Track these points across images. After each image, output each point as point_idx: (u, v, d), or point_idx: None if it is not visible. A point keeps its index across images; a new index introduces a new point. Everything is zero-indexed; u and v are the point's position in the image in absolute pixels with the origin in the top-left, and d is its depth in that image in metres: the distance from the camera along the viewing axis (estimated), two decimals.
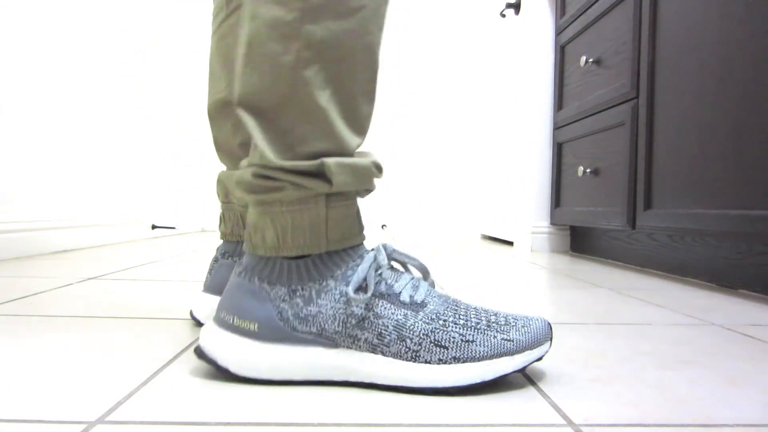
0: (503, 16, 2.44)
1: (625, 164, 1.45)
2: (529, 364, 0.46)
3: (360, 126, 0.48)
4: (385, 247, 0.49)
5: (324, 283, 0.46)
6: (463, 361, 0.44)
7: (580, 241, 1.95)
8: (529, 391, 0.46)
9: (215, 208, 2.85)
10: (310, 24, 0.43)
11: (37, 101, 1.46)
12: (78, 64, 1.65)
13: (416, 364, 0.44)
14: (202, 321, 0.66)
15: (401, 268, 0.78)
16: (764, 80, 0.97)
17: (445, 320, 0.46)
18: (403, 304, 0.46)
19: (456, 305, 0.48)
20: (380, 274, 0.47)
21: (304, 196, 0.46)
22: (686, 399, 0.45)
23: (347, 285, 0.46)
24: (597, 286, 1.12)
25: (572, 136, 1.82)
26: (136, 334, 0.62)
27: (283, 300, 0.46)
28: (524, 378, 0.49)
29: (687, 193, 1.19)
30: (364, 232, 0.50)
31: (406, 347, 0.45)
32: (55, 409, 0.40)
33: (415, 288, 0.48)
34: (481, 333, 0.46)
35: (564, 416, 0.40)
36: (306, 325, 0.45)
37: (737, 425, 0.40)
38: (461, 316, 0.47)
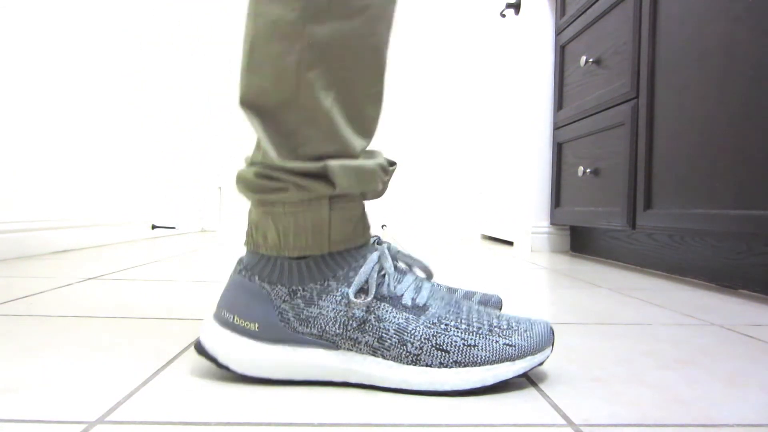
0: (503, 16, 2.44)
1: (625, 164, 1.45)
2: (530, 369, 0.46)
3: (366, 128, 0.47)
4: (389, 248, 0.48)
5: (325, 284, 0.45)
6: (465, 365, 0.44)
7: (580, 241, 1.95)
8: (530, 392, 0.46)
9: (215, 208, 2.85)
10: (313, 24, 0.42)
11: (37, 101, 1.46)
12: (78, 64, 1.65)
13: (417, 368, 0.44)
14: None
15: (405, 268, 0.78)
16: (764, 80, 0.97)
17: (447, 324, 0.46)
18: (405, 308, 0.45)
19: (458, 308, 0.47)
20: (383, 276, 0.46)
21: (307, 197, 0.45)
22: (686, 399, 0.45)
23: (349, 286, 0.45)
24: (597, 286, 1.12)
25: (572, 136, 1.82)
26: (136, 334, 0.62)
27: (284, 300, 0.45)
28: (524, 378, 0.49)
29: (687, 193, 1.19)
30: (370, 232, 0.50)
31: (407, 351, 0.44)
32: (55, 409, 0.40)
33: (418, 290, 0.47)
34: (483, 338, 0.45)
35: (564, 416, 0.40)
36: (307, 327, 0.45)
37: (737, 425, 0.40)
38: (463, 320, 0.46)
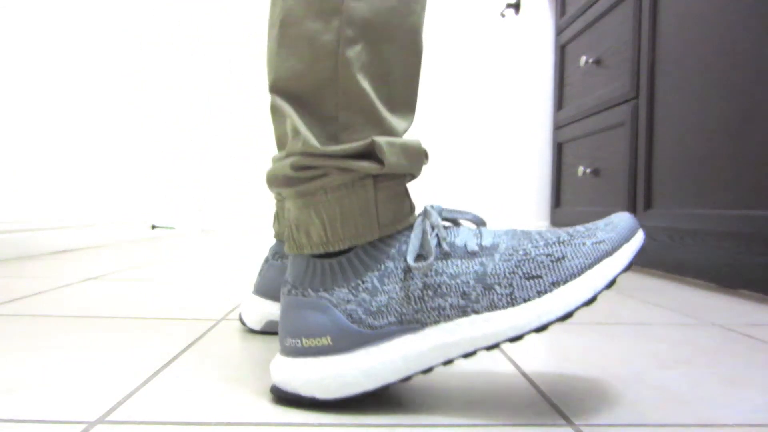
0: (503, 16, 2.44)
1: (625, 164, 1.45)
2: (633, 258, 0.41)
3: (406, 111, 0.44)
4: (432, 206, 0.44)
5: (383, 267, 0.41)
6: (564, 282, 0.39)
7: None
8: (529, 392, 0.45)
9: (215, 208, 2.85)
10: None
11: (38, 101, 1.46)
12: (78, 64, 1.65)
13: (516, 308, 0.39)
14: (251, 326, 0.64)
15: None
16: (765, 80, 0.97)
17: (525, 250, 0.41)
18: (474, 254, 0.41)
19: (527, 234, 0.43)
20: (437, 235, 0.42)
21: (350, 179, 0.41)
22: (686, 399, 0.45)
23: (406, 260, 0.41)
24: None
25: (572, 136, 1.82)
26: (136, 334, 0.62)
27: (348, 301, 0.41)
28: (524, 379, 0.49)
29: (687, 193, 1.19)
30: (415, 214, 0.45)
31: (498, 294, 0.40)
32: (55, 409, 0.40)
33: (479, 235, 0.43)
34: (568, 246, 0.41)
35: (564, 416, 0.40)
36: (382, 317, 0.41)
37: (737, 425, 0.40)
38: (538, 240, 0.42)
